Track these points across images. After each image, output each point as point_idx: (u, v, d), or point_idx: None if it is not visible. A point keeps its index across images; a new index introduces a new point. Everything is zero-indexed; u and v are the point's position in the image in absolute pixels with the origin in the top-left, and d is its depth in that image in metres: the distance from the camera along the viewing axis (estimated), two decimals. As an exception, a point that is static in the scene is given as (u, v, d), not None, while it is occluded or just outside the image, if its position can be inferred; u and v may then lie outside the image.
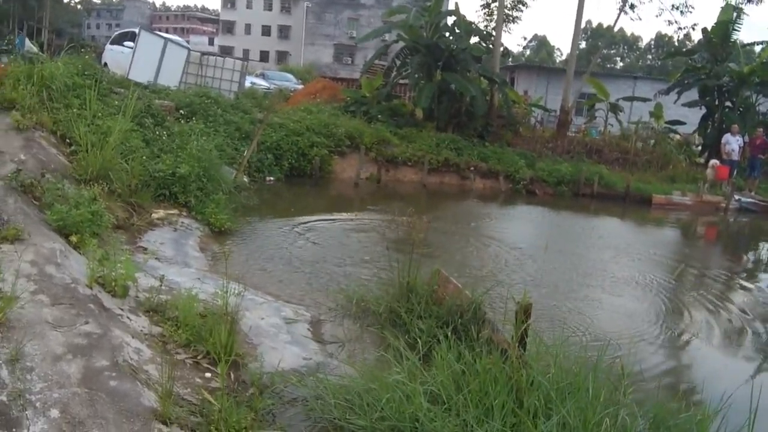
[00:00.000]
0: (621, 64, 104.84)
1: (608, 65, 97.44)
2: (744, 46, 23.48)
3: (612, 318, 6.91)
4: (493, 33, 23.41)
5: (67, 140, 8.21)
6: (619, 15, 25.92)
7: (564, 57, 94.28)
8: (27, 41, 21.06)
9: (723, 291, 8.79)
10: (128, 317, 4.68)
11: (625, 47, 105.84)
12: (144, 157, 8.78)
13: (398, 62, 21.81)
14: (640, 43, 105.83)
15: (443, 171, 17.13)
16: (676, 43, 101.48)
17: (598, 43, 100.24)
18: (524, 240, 11.07)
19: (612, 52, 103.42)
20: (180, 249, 7.24)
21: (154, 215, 8.06)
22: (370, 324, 5.73)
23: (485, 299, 5.48)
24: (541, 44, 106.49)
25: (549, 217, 14.91)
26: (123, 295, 4.91)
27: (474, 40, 21.76)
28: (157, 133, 10.31)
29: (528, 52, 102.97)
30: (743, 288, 9.29)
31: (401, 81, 23.31)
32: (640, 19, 62.76)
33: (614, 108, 24.28)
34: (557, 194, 17.27)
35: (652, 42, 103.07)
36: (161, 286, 5.18)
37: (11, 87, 8.44)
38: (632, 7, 25.13)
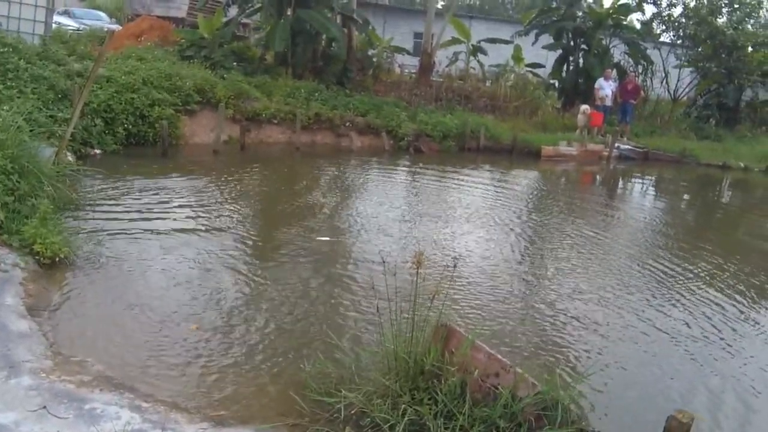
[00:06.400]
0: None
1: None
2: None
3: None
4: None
5: None
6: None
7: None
8: None
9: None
10: None
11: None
12: None
13: (241, -3, 18.38)
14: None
15: (315, 128, 14.48)
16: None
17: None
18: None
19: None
20: (-8, 320, 4.18)
21: (-64, 254, 4.79)
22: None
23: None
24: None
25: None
26: None
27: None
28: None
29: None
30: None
31: (244, 20, 19.91)
32: None
33: (476, 50, 22.73)
34: (443, 150, 15.36)
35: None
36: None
37: None
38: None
